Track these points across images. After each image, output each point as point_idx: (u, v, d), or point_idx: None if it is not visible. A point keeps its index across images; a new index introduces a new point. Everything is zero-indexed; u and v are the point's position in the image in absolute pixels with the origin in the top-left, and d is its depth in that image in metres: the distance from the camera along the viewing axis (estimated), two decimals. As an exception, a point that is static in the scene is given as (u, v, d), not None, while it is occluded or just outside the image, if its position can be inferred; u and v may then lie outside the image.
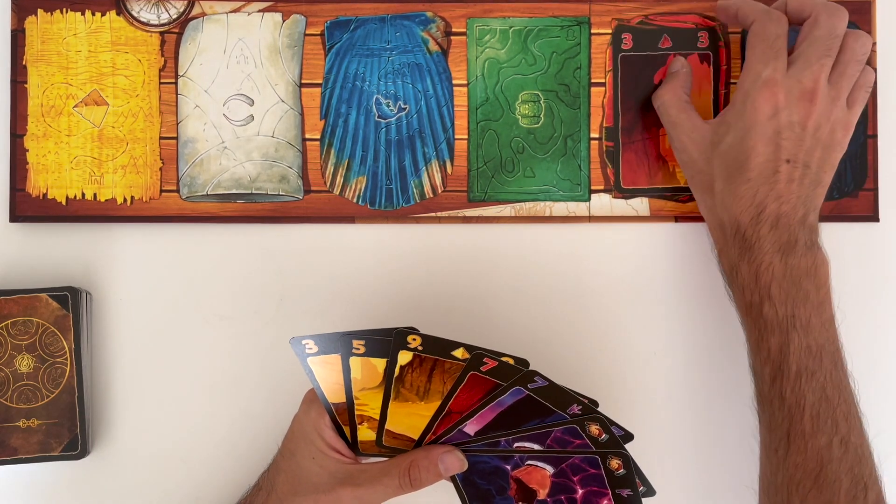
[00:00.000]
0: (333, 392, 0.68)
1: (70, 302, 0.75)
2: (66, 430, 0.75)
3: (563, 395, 0.65)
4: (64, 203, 0.79)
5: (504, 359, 0.63)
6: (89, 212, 0.79)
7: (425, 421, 0.68)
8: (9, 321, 0.75)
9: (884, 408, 0.80)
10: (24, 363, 0.75)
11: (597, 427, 0.66)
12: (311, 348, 0.66)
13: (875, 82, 0.76)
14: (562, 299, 0.79)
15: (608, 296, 0.79)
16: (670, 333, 0.79)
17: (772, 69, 0.71)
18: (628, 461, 0.67)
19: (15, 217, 0.78)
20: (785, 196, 0.71)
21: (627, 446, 0.68)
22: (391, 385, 0.66)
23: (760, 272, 0.70)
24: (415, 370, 0.65)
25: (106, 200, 0.79)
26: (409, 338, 0.64)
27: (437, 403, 0.67)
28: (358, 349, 0.65)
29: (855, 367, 0.79)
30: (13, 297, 0.75)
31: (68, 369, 0.75)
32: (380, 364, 0.65)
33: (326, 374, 0.67)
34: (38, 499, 0.78)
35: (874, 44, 0.79)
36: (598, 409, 0.67)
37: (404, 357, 0.65)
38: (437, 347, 0.64)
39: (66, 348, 0.75)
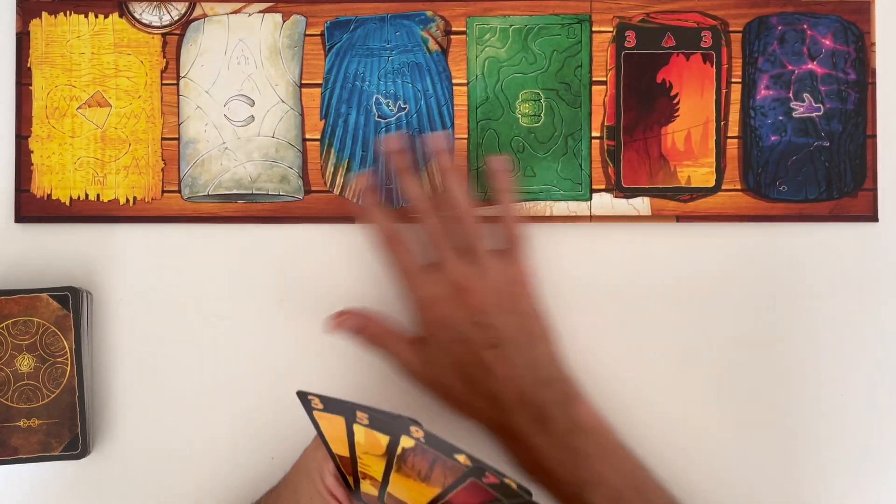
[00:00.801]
0: (338, 445, 0.67)
1: (70, 302, 0.75)
2: (66, 430, 0.75)
3: None
4: (68, 204, 0.79)
5: (507, 480, 0.61)
6: (92, 212, 0.79)
7: (426, 499, 0.66)
8: (9, 321, 0.75)
9: (884, 408, 0.79)
10: (25, 363, 0.75)
11: None
12: (316, 405, 0.66)
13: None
14: (562, 299, 0.79)
15: (609, 295, 0.78)
16: (670, 333, 0.79)
17: (416, 293, 0.73)
18: None
19: (20, 217, 0.79)
20: (509, 375, 0.71)
21: None
22: (393, 459, 0.65)
23: (535, 456, 0.70)
24: (417, 455, 0.64)
25: (109, 201, 0.79)
26: (413, 429, 0.62)
27: (438, 491, 0.65)
28: (361, 420, 0.64)
29: (855, 367, 0.79)
30: (14, 297, 0.75)
31: (69, 369, 0.75)
32: (383, 438, 0.64)
33: (331, 430, 0.66)
34: (38, 499, 0.79)
35: (873, 45, 0.78)
36: None
37: (407, 442, 0.64)
38: (439, 446, 0.62)
39: (67, 348, 0.75)
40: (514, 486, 0.61)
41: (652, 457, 0.77)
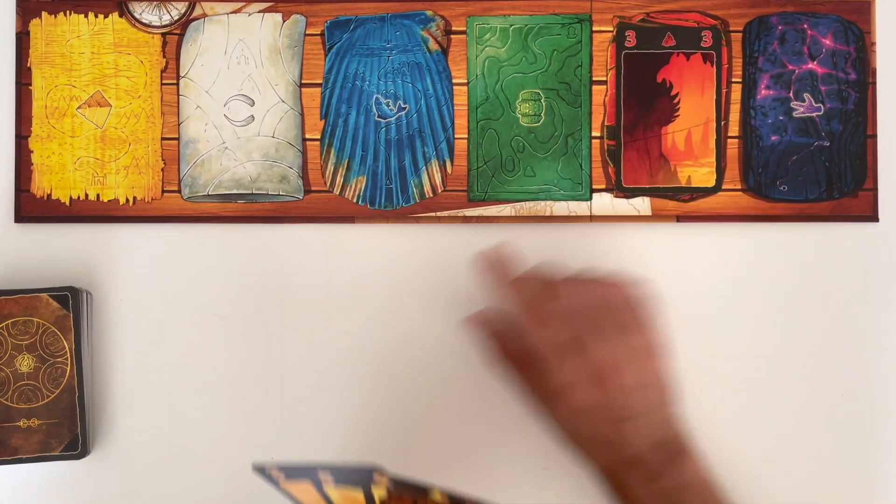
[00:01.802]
0: None
1: (70, 302, 0.75)
2: (66, 430, 0.75)
3: None
4: (67, 203, 0.79)
5: None
6: (92, 212, 0.79)
7: None
8: (9, 321, 0.75)
9: (884, 408, 0.79)
10: (25, 363, 0.75)
11: None
12: (279, 477, 0.63)
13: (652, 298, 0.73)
14: (562, 299, 0.79)
15: (609, 295, 0.78)
16: (670, 333, 0.78)
17: (561, 374, 0.70)
18: None
19: (20, 217, 0.79)
20: (633, 441, 0.70)
21: None
22: None
23: None
24: (395, 500, 0.63)
25: (109, 201, 0.79)
26: (376, 476, 0.61)
27: None
28: (326, 481, 0.62)
29: (855, 367, 0.79)
30: (14, 297, 0.75)
31: (69, 369, 0.75)
32: (357, 492, 0.62)
33: (307, 496, 0.64)
34: (39, 499, 0.79)
35: (873, 45, 0.79)
36: None
37: (379, 491, 0.62)
38: (408, 489, 0.61)
39: (67, 348, 0.75)
40: None
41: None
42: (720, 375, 0.79)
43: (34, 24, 0.79)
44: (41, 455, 0.75)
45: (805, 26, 0.79)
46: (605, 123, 0.79)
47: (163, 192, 0.79)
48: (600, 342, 0.71)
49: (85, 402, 0.76)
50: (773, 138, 0.79)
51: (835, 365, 0.79)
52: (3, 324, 0.75)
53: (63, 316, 0.75)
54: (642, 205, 0.79)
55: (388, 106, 0.79)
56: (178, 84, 0.79)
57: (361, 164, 0.79)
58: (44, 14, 0.79)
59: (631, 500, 0.71)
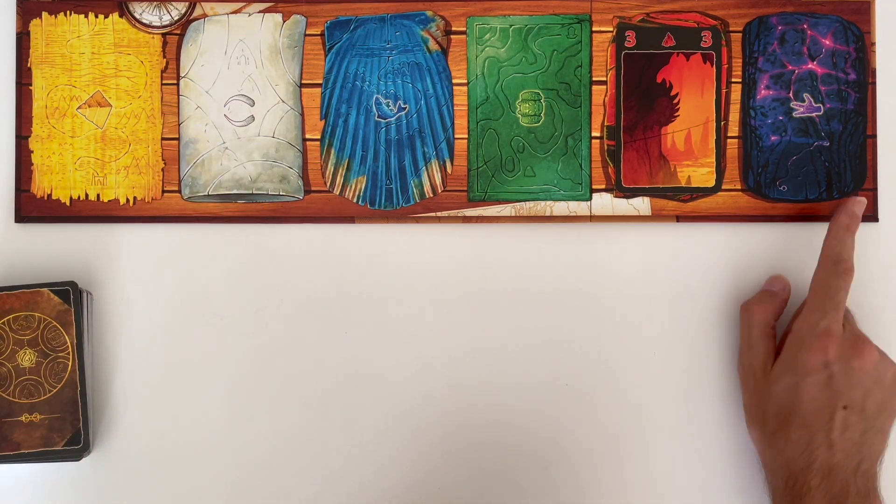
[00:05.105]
0: None
1: (72, 296, 0.75)
2: (68, 425, 0.75)
3: None
4: (68, 203, 0.79)
5: None
6: (92, 212, 0.79)
7: None
8: (10, 316, 0.75)
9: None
10: (27, 358, 0.75)
11: None
12: None
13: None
14: (562, 299, 0.79)
15: (609, 296, 0.78)
16: (670, 333, 0.79)
17: (829, 320, 0.71)
18: None
19: (20, 217, 0.79)
20: (838, 445, 0.70)
21: None
22: None
23: None
24: None
25: (109, 201, 0.79)
26: None
27: None
28: None
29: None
30: (14, 291, 0.75)
31: (70, 364, 0.75)
32: None
33: None
34: (39, 498, 0.79)
35: (873, 45, 0.79)
36: None
37: None
38: None
39: (69, 343, 0.75)
40: None
41: (655, 457, 0.78)
42: (721, 374, 0.79)
43: (34, 25, 0.79)
44: (43, 449, 0.75)
45: (805, 26, 0.79)
46: (605, 123, 0.79)
47: (163, 192, 0.79)
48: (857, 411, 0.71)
49: (87, 397, 0.76)
50: (773, 138, 0.79)
51: (834, 365, 0.79)
52: (5, 319, 0.75)
53: (64, 311, 0.75)
54: (642, 205, 0.79)
55: (388, 106, 0.79)
56: (178, 84, 0.79)
57: (361, 165, 0.79)
58: (44, 14, 0.79)
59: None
